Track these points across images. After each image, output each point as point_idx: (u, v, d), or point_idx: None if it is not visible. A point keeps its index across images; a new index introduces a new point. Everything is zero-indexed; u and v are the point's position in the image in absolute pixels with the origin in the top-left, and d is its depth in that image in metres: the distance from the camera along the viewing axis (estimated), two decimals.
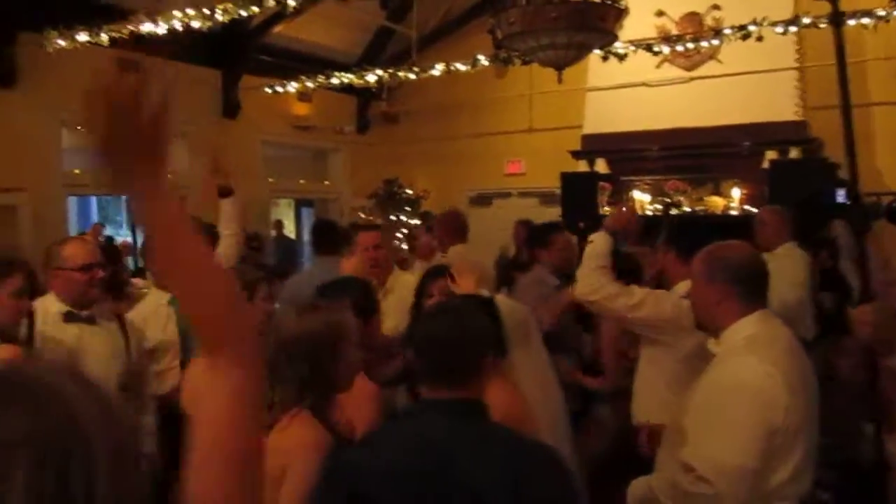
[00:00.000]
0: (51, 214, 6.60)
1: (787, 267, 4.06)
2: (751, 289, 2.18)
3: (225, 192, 4.00)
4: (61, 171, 7.26)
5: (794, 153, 7.81)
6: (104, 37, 6.01)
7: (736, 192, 7.93)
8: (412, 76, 7.90)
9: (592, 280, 2.96)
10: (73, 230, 8.61)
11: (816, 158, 7.62)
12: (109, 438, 0.71)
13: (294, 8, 5.46)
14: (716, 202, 8.09)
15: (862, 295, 2.58)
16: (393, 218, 9.78)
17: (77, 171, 7.65)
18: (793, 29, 6.05)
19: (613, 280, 2.97)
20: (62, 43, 6.17)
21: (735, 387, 2.03)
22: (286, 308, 2.32)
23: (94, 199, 10.71)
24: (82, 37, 6.04)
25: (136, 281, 4.73)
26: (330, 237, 4.75)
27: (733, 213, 7.81)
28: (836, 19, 2.35)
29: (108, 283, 3.14)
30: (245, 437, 0.97)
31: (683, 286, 2.74)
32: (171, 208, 0.99)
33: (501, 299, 2.90)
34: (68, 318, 2.87)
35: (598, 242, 3.04)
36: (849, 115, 2.32)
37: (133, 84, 0.96)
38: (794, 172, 7.20)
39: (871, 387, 2.41)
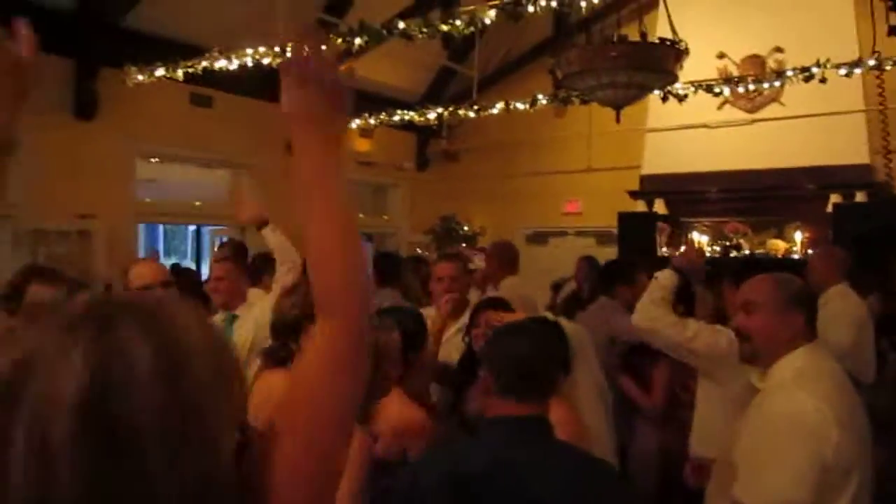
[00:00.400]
0: (122, 240, 6.88)
1: (838, 308, 3.97)
2: (813, 318, 2.17)
3: (260, 225, 4.08)
4: (134, 200, 7.58)
5: (859, 196, 7.66)
6: (180, 72, 6.29)
7: (798, 236, 7.80)
8: (472, 115, 8.03)
9: (651, 309, 3.00)
10: (141, 256, 8.94)
11: (882, 200, 7.46)
12: (211, 357, 0.82)
13: (360, 46, 5.63)
14: (777, 245, 7.97)
15: None
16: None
17: (148, 201, 7.97)
18: (857, 71, 5.97)
19: (672, 313, 2.99)
20: (141, 77, 6.48)
21: (785, 422, 2.01)
22: None
23: (160, 228, 11.09)
24: (159, 72, 6.34)
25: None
26: (392, 269, 4.85)
27: (795, 256, 7.68)
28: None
29: None
30: (337, 405, 0.99)
31: None
32: (331, 167, 1.10)
33: (563, 322, 2.94)
34: None
35: (664, 277, 3.08)
36: None
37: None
38: (859, 215, 7.06)
39: None
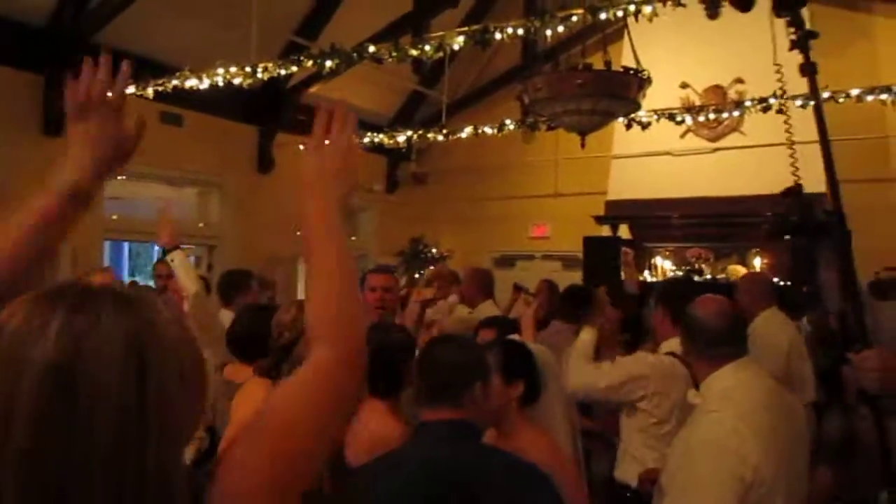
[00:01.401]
0: (87, 257, 6.81)
1: (766, 333, 4.04)
2: (717, 341, 2.25)
3: (172, 247, 3.94)
4: (101, 217, 7.53)
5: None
6: (150, 90, 6.31)
7: (758, 262, 7.99)
8: (441, 138, 8.14)
9: (580, 374, 3.15)
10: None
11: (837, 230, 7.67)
12: (181, 350, 0.88)
13: (331, 69, 5.71)
14: (738, 270, 8.14)
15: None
16: (417, 276, 9.92)
17: (115, 218, 7.93)
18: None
19: (594, 367, 3.17)
20: (109, 94, 6.46)
21: (703, 444, 2.07)
22: None
23: (126, 246, 11.00)
24: (130, 89, 6.33)
25: None
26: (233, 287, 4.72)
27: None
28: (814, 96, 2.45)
29: None
30: (323, 425, 1.04)
31: (670, 344, 2.91)
32: (336, 219, 1.25)
33: (530, 344, 3.01)
34: None
35: (585, 339, 3.29)
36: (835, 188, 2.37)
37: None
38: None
39: (882, 450, 2.39)
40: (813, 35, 2.34)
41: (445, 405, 1.88)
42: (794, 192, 2.54)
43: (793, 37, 2.26)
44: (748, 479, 1.96)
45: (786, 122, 2.79)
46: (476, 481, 1.66)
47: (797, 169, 2.67)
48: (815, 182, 2.54)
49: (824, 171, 2.31)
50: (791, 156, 2.74)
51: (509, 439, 2.29)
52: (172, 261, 3.87)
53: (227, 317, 4.04)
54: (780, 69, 2.90)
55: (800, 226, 2.49)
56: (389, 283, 3.84)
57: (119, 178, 7.97)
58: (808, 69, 2.42)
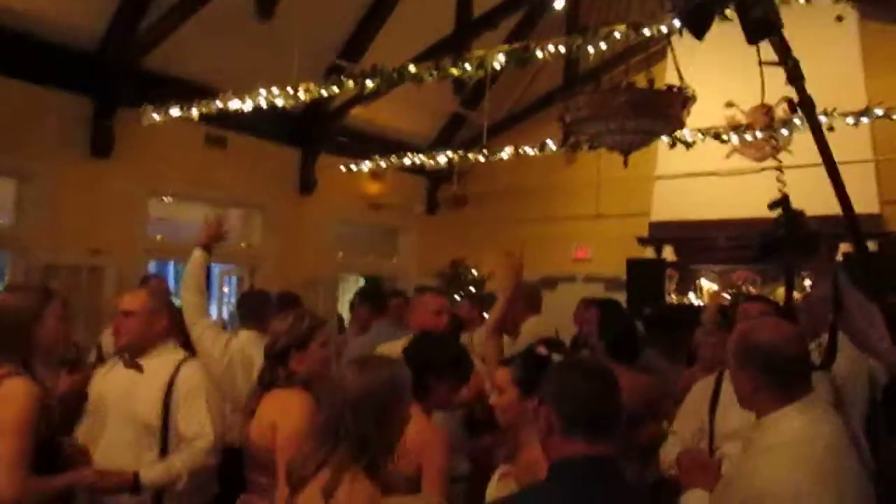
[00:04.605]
0: (133, 276, 6.91)
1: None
2: (785, 378, 2.05)
3: (206, 245, 3.91)
4: (145, 237, 7.65)
5: (870, 246, 7.63)
6: (194, 112, 6.40)
7: (807, 283, 7.75)
8: (482, 159, 8.12)
9: None
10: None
11: (892, 250, 7.44)
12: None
13: (372, 90, 5.73)
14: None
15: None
16: (457, 298, 9.87)
17: (159, 238, 8.05)
18: (864, 120, 6.02)
19: None
20: (156, 117, 6.60)
21: (759, 494, 1.95)
22: (348, 364, 2.43)
23: (171, 265, 11.16)
24: (174, 111, 6.45)
25: None
26: (256, 308, 4.48)
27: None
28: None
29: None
30: None
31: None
32: None
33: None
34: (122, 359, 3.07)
35: None
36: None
37: None
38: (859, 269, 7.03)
39: None
40: (796, 65, 2.24)
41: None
42: (781, 203, 2.44)
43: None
44: None
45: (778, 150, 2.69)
46: None
47: (784, 185, 2.55)
48: (862, 203, 2.46)
49: (836, 195, 2.24)
50: (777, 168, 2.62)
51: (522, 453, 2.26)
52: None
53: (245, 339, 3.98)
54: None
55: (786, 240, 2.36)
56: (445, 307, 3.94)
57: (165, 199, 8.12)
58: (804, 104, 2.34)
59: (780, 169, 2.61)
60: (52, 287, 3.17)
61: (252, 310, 4.32)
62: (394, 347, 3.31)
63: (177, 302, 4.37)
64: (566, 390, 1.78)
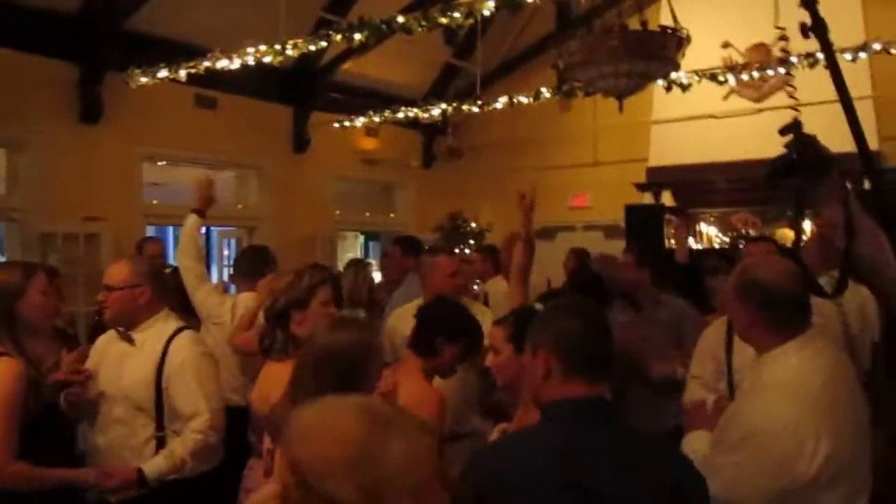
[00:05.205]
0: (130, 242, 6.89)
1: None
2: (783, 315, 2.06)
3: (201, 211, 3.87)
4: (141, 202, 7.61)
5: (868, 184, 7.59)
6: (182, 73, 6.30)
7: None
8: (476, 110, 8.02)
9: None
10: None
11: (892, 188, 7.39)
12: None
13: (360, 42, 5.61)
14: (787, 234, 7.90)
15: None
16: (457, 251, 9.85)
17: (155, 202, 8.01)
18: (863, 55, 5.91)
19: None
20: (144, 80, 6.50)
21: (759, 433, 1.96)
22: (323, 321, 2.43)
23: (170, 230, 11.13)
24: (162, 73, 6.35)
25: None
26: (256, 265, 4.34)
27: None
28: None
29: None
30: None
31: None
32: None
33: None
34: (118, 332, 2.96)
35: None
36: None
37: None
38: (868, 201, 6.99)
39: None
40: None
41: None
42: (792, 128, 2.38)
43: None
44: (804, 474, 1.89)
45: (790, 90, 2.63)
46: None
47: (798, 101, 2.50)
48: (868, 139, 2.40)
49: (849, 128, 2.18)
50: (791, 95, 2.56)
51: (520, 410, 2.25)
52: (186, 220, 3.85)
53: (245, 300, 3.92)
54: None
55: (798, 164, 2.32)
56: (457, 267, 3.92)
57: (158, 163, 8.05)
58: (816, 28, 2.27)
59: (793, 96, 2.54)
60: (37, 262, 3.07)
61: (252, 266, 4.19)
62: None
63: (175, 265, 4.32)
64: (564, 332, 1.75)
